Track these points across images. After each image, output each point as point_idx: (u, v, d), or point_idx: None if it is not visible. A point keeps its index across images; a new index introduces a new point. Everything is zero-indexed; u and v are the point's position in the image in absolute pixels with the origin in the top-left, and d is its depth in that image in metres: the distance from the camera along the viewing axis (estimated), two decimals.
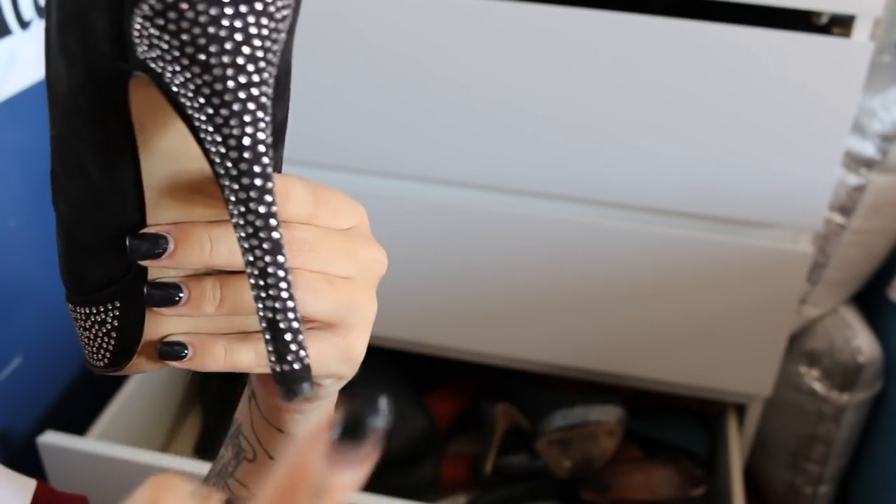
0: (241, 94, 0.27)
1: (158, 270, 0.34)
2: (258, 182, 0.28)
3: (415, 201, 0.94)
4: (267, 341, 0.30)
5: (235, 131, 0.28)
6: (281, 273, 0.29)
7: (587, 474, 1.09)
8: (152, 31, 0.27)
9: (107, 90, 0.30)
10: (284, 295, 0.29)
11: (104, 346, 0.37)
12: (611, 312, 1.02)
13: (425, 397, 1.19)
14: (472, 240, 0.98)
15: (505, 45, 0.88)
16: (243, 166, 0.28)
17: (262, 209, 0.28)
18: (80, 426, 1.01)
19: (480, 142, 0.94)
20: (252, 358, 0.34)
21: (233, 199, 0.28)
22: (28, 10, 0.90)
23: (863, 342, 1.07)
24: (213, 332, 0.35)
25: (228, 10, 0.26)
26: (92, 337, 0.37)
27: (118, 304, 0.35)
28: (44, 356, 1.02)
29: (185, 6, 0.26)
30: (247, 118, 0.28)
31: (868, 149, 1.01)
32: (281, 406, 0.39)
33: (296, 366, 0.30)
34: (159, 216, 0.33)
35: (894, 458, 1.07)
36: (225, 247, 0.33)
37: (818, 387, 1.10)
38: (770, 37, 0.84)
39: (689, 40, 0.85)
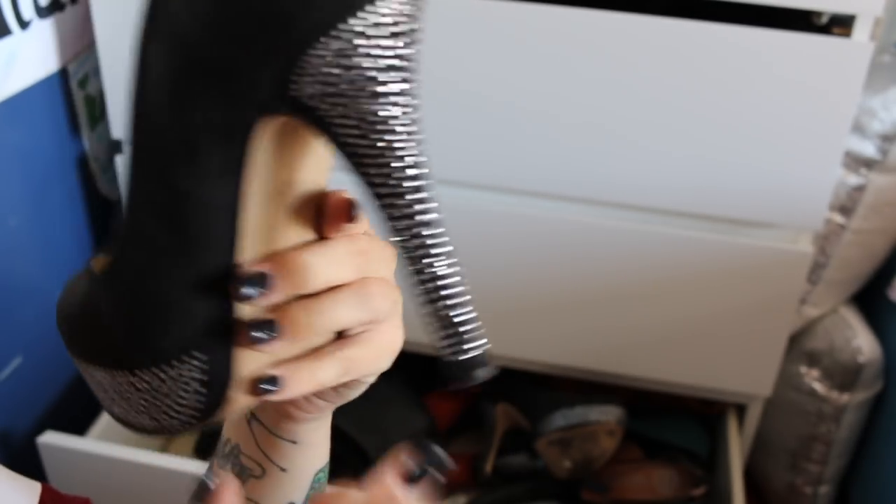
0: (406, 120, 0.31)
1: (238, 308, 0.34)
2: (423, 195, 0.31)
3: None
4: (451, 335, 0.32)
5: (403, 154, 0.31)
6: (458, 276, 0.32)
7: (587, 474, 1.09)
8: (327, 69, 0.29)
9: (235, 135, 0.31)
10: (461, 291, 0.32)
11: (189, 402, 0.35)
12: (611, 312, 1.02)
13: (425, 397, 1.19)
14: (472, 240, 0.98)
15: (504, 45, 0.88)
16: (408, 184, 0.31)
17: (428, 217, 0.32)
18: (80, 426, 1.01)
19: (480, 142, 0.94)
20: (333, 372, 0.35)
21: (397, 214, 0.31)
22: (28, 10, 0.90)
23: (863, 342, 1.07)
24: (291, 357, 0.35)
25: (391, 42, 0.30)
26: (168, 397, 0.35)
27: (205, 355, 0.34)
28: (44, 356, 1.02)
29: (360, 42, 0.29)
30: (412, 142, 0.31)
31: (868, 149, 1.01)
32: (296, 417, 0.40)
33: (480, 350, 0.33)
34: (245, 251, 0.33)
35: (894, 458, 1.07)
36: (322, 267, 0.34)
37: (818, 387, 1.10)
38: (770, 37, 0.84)
39: (689, 40, 0.85)
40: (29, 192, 0.97)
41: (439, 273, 0.32)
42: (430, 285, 0.32)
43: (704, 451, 1.16)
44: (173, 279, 0.33)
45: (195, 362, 0.34)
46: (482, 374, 0.33)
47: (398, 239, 0.32)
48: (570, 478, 1.08)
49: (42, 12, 0.92)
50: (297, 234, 0.35)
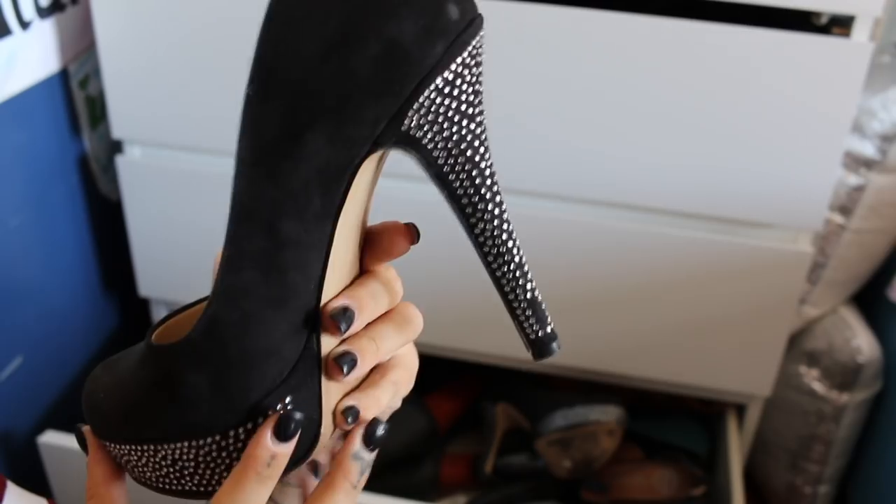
0: (485, 134, 0.35)
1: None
2: (500, 198, 0.36)
3: (414, 201, 0.94)
4: (527, 318, 0.38)
5: (486, 164, 0.35)
6: (526, 269, 0.37)
7: (587, 474, 1.09)
8: (439, 99, 0.33)
9: (343, 176, 0.33)
10: (531, 278, 0.37)
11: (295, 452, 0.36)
12: (611, 312, 1.02)
13: (425, 397, 1.19)
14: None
15: (504, 45, 0.88)
16: (494, 189, 0.36)
17: (507, 217, 0.36)
18: None
19: None
20: (388, 396, 0.38)
21: (487, 217, 0.36)
22: (29, 11, 0.90)
23: (863, 342, 1.07)
24: (353, 389, 0.38)
25: (480, 69, 0.34)
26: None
27: (297, 396, 0.35)
28: (44, 356, 1.02)
29: (466, 72, 0.33)
30: (488, 152, 0.35)
31: (868, 149, 1.01)
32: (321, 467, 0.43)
33: (551, 327, 0.38)
34: (328, 288, 0.35)
35: (894, 458, 1.07)
36: (383, 297, 0.38)
37: (818, 387, 1.10)
38: (770, 37, 0.84)
39: (690, 40, 0.85)
40: (29, 193, 0.97)
41: (522, 263, 0.37)
42: (517, 277, 0.37)
43: (704, 451, 1.16)
44: (269, 328, 0.34)
45: (289, 406, 0.35)
46: (557, 346, 0.39)
47: (484, 240, 0.36)
48: (570, 478, 1.09)
49: (42, 13, 0.92)
50: (356, 263, 0.37)
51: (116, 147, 1.06)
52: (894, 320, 1.09)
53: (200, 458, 0.35)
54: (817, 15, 0.86)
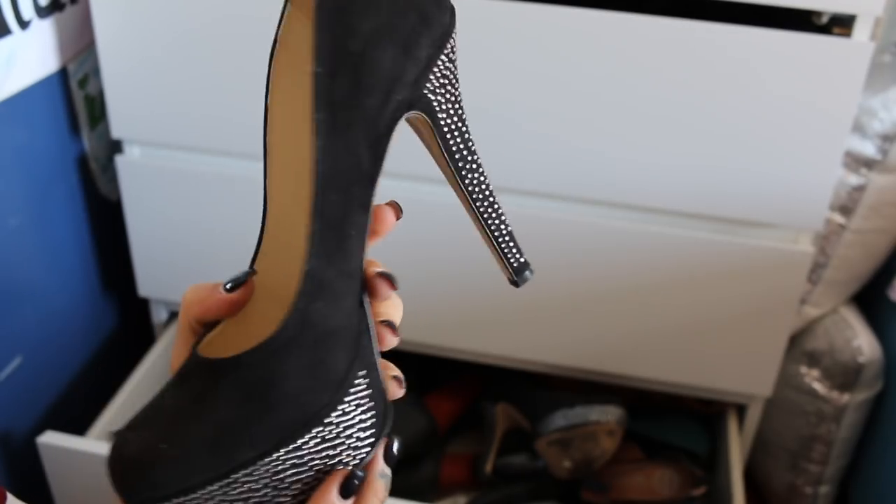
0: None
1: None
2: (480, 169, 0.42)
3: (415, 201, 0.94)
4: (510, 248, 0.44)
5: (468, 154, 0.42)
6: (502, 209, 0.43)
7: (587, 474, 1.09)
8: (448, 65, 0.39)
9: (385, 139, 0.37)
10: (506, 220, 0.43)
11: (368, 425, 0.37)
12: (611, 312, 1.02)
13: (425, 397, 1.19)
14: (471, 239, 0.98)
15: (504, 45, 0.88)
16: (476, 152, 0.42)
17: (488, 181, 0.42)
18: (80, 426, 1.01)
19: (480, 142, 0.93)
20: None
21: (478, 177, 0.42)
22: (28, 10, 0.90)
23: (863, 342, 1.07)
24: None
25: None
26: (351, 428, 0.36)
27: (364, 369, 0.37)
28: (44, 356, 1.02)
29: (454, 38, 0.39)
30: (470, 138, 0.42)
31: (868, 149, 1.01)
32: None
33: (525, 257, 0.44)
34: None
35: (894, 458, 1.07)
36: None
37: (818, 387, 1.10)
38: (770, 37, 0.84)
39: (689, 40, 0.85)
40: (29, 193, 0.97)
41: (501, 212, 0.43)
42: (498, 221, 0.43)
43: (704, 451, 1.16)
44: (344, 302, 0.36)
45: (361, 381, 0.36)
46: (531, 272, 0.44)
47: (473, 188, 0.42)
48: (570, 478, 1.08)
49: (42, 12, 0.92)
50: None
51: (116, 147, 1.06)
52: (894, 320, 1.09)
53: (289, 470, 0.35)
54: (818, 14, 0.86)
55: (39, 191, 0.99)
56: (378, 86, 0.36)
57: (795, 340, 1.12)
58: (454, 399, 1.22)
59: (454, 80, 0.39)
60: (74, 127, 1.03)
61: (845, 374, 1.07)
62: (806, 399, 1.12)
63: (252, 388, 0.34)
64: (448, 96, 0.39)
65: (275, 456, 0.34)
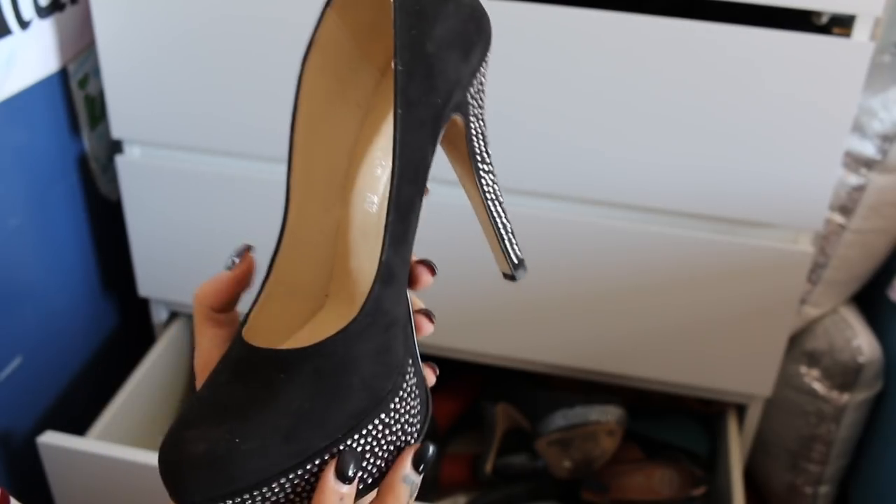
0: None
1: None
2: (493, 170, 0.44)
3: None
4: (511, 244, 0.45)
5: (487, 157, 0.44)
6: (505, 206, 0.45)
7: (587, 474, 1.09)
8: (485, 72, 0.42)
9: (438, 137, 0.40)
10: (509, 216, 0.45)
11: (420, 411, 0.39)
12: (611, 312, 1.02)
13: None
14: (472, 240, 0.98)
15: (503, 45, 0.88)
16: (491, 170, 0.44)
17: (497, 181, 0.44)
18: (80, 426, 1.01)
19: None
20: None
21: (485, 172, 0.44)
22: (28, 10, 0.90)
23: (863, 342, 1.07)
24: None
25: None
26: (409, 414, 0.38)
27: (411, 358, 0.39)
28: (44, 356, 1.02)
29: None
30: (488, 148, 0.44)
31: (868, 149, 1.01)
32: None
33: (522, 254, 0.46)
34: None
35: (894, 458, 1.07)
36: None
37: (818, 387, 1.10)
38: (770, 37, 0.84)
39: (689, 40, 0.85)
40: (29, 193, 0.97)
41: (505, 209, 0.45)
42: (505, 211, 0.45)
43: (704, 451, 1.16)
44: (403, 296, 0.39)
45: (410, 368, 0.39)
46: (524, 271, 0.46)
47: (488, 186, 0.44)
48: (570, 478, 1.08)
49: (42, 12, 0.92)
50: None
51: (116, 147, 1.06)
52: (894, 320, 1.09)
53: (365, 450, 0.35)
54: (818, 14, 0.86)
55: (39, 191, 0.99)
56: (443, 87, 0.39)
57: (795, 340, 1.12)
58: (454, 399, 1.22)
59: (484, 87, 0.42)
60: (74, 127, 1.03)
61: (845, 374, 1.07)
62: (806, 399, 1.12)
63: (329, 377, 0.35)
64: (480, 101, 0.42)
65: (348, 443, 0.34)
